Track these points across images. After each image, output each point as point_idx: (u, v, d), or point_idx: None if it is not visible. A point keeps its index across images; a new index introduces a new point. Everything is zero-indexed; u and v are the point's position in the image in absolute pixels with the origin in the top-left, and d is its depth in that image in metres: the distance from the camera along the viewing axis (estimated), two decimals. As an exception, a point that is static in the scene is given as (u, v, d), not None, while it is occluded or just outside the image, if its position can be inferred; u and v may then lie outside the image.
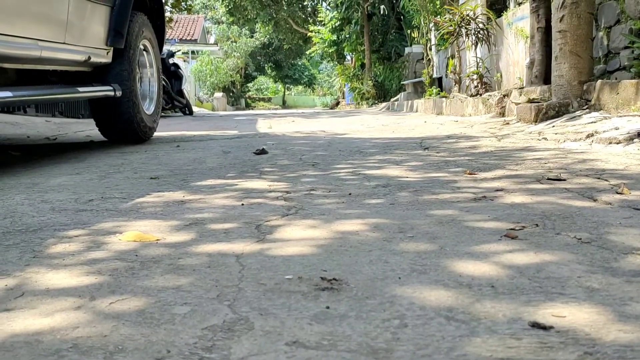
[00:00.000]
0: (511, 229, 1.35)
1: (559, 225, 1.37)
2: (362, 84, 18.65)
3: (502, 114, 6.03)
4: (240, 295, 0.94)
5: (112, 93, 3.83)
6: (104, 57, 3.86)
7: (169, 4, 12.89)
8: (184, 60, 21.31)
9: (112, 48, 3.92)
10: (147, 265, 1.14)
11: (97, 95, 3.77)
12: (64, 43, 3.31)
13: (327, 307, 0.88)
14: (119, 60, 3.99)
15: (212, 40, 34.20)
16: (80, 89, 3.59)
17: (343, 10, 18.70)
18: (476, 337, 0.76)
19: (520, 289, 0.94)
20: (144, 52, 4.49)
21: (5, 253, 1.25)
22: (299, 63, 40.70)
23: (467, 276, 1.01)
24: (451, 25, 8.63)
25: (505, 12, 8.34)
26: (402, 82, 15.53)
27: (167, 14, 12.54)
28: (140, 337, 0.78)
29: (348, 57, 21.90)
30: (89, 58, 3.63)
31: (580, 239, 1.25)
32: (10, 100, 2.93)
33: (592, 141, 3.29)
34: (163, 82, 7.91)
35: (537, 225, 1.38)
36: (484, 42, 8.31)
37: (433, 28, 11.50)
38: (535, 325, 0.79)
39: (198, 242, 1.31)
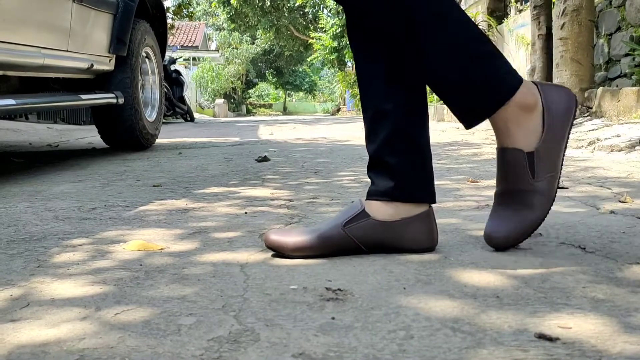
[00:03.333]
0: (515, 238, 1.35)
1: (563, 235, 1.37)
2: (363, 90, 18.64)
3: (504, 121, 6.02)
4: (246, 306, 0.94)
5: (114, 100, 3.84)
6: (107, 64, 3.87)
7: (170, 11, 12.94)
8: (185, 67, 21.34)
9: (114, 56, 3.93)
10: (152, 274, 1.14)
11: (100, 103, 3.78)
12: (67, 51, 3.32)
13: (333, 318, 0.88)
14: (121, 67, 4.00)
15: (213, 46, 34.29)
16: (83, 97, 3.60)
17: (344, 17, 18.74)
18: (482, 349, 0.76)
19: (525, 300, 0.94)
20: (146, 60, 4.50)
21: (10, 262, 1.26)
22: (300, 70, 40.77)
23: (472, 286, 1.01)
24: (452, 32, 8.64)
25: (506, 19, 8.36)
26: (403, 89, 15.52)
27: (169, 21, 12.57)
28: (146, 349, 0.78)
29: (349, 64, 21.94)
30: (92, 66, 3.64)
31: (584, 248, 1.25)
32: (14, 108, 2.93)
33: (594, 148, 3.30)
34: (165, 89, 7.93)
35: (540, 234, 1.38)
36: (484, 49, 8.31)
37: (434, 35, 11.50)
38: (542, 337, 0.79)
39: (202, 251, 1.31)
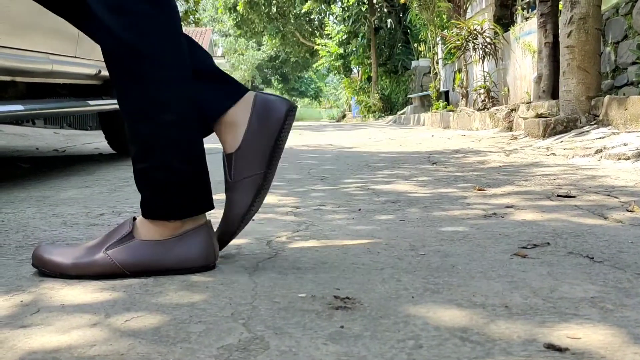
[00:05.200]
0: (523, 248, 1.35)
1: (571, 244, 1.37)
2: (368, 97, 18.69)
3: (510, 129, 6.03)
4: (255, 314, 0.94)
5: (121, 106, 3.85)
6: (114, 70, 3.88)
7: (177, 17, 12.98)
8: (192, 73, 21.34)
9: (122, 62, 3.94)
10: (161, 281, 1.14)
11: (107, 109, 3.80)
12: (74, 57, 3.34)
13: (342, 327, 0.88)
14: (128, 73, 4.01)
15: (219, 52, 34.43)
16: (91, 102, 3.62)
17: (350, 23, 18.81)
18: (492, 359, 0.76)
19: (534, 310, 0.94)
20: (154, 66, 4.52)
21: (19, 268, 1.26)
22: (306, 76, 40.87)
23: (480, 296, 1.01)
24: (458, 40, 8.67)
25: (512, 27, 8.37)
26: (408, 96, 15.56)
27: (176, 27, 12.59)
28: (157, 356, 0.78)
29: (355, 70, 21.97)
30: (99, 72, 3.65)
31: (593, 258, 1.25)
32: (22, 113, 2.95)
33: (601, 157, 3.29)
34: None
35: (548, 243, 1.38)
36: (491, 56, 8.33)
37: (440, 42, 11.55)
38: (551, 347, 0.79)
39: (210, 258, 1.31)
